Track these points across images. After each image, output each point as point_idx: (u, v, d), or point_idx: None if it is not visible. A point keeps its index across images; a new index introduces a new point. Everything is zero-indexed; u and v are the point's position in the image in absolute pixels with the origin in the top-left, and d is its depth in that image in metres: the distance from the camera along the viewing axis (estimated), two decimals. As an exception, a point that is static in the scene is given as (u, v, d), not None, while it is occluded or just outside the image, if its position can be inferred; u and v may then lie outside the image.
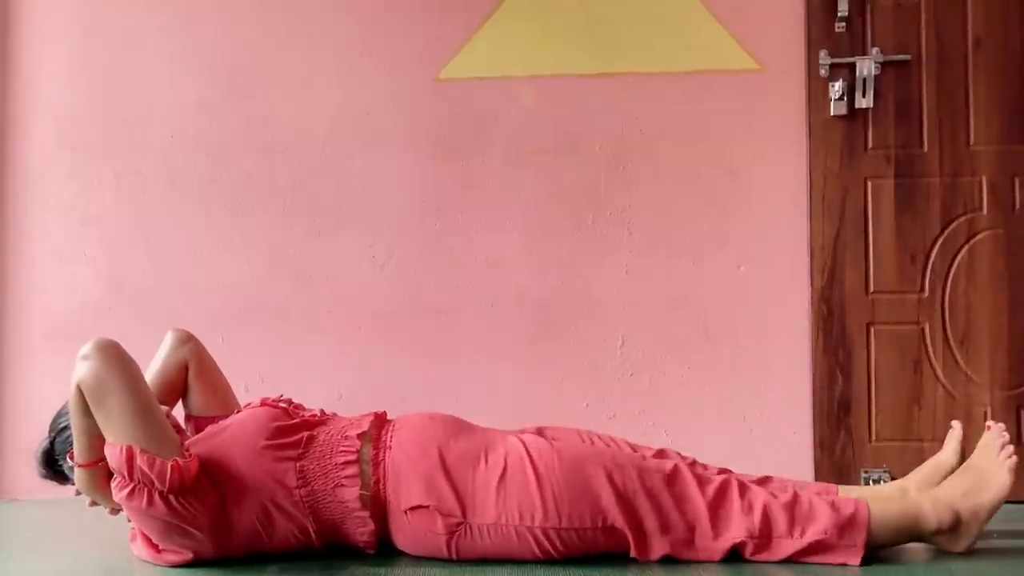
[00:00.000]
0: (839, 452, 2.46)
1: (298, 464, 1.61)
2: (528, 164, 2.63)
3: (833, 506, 1.57)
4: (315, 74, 2.68)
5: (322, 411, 1.79)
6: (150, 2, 2.72)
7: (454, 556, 1.61)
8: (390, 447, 1.64)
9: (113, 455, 1.51)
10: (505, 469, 1.59)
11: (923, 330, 2.47)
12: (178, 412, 1.83)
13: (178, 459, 1.52)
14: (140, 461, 1.49)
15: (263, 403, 1.78)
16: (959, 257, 2.47)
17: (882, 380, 2.46)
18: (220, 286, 2.65)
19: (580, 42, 2.64)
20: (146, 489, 1.51)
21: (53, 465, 1.74)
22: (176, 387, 1.84)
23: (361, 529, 1.62)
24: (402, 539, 1.63)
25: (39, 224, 2.70)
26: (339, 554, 1.66)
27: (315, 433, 1.67)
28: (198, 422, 1.81)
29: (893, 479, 2.41)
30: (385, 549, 1.66)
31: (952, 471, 1.72)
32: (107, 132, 2.71)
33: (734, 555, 1.58)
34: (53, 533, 2.12)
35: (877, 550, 1.58)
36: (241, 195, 2.68)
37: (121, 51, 2.72)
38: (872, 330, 2.48)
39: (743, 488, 1.60)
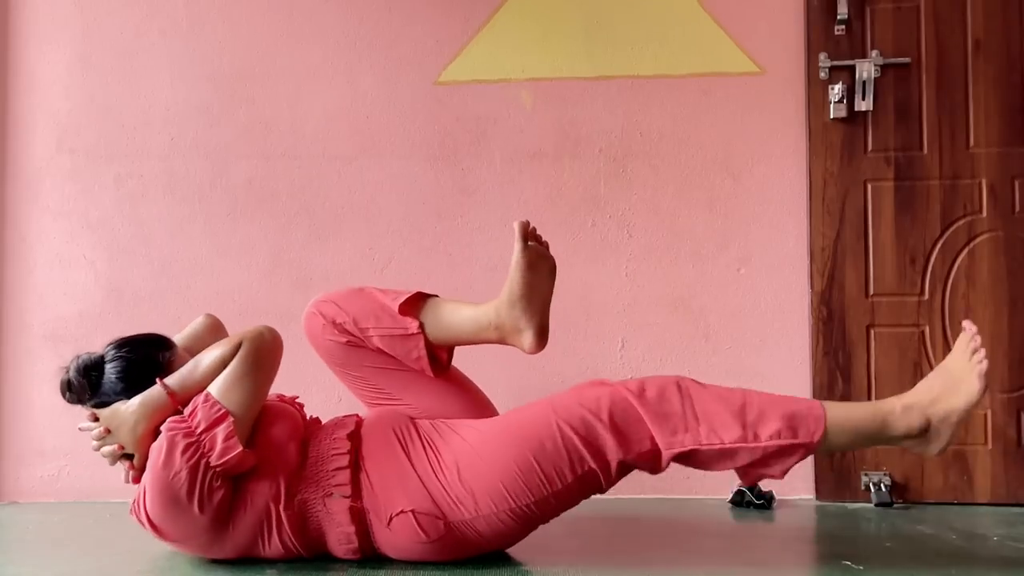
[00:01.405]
0: (839, 454, 2.46)
1: (299, 473, 1.62)
2: (528, 167, 2.64)
3: (787, 406, 1.54)
4: (314, 78, 2.69)
5: (316, 418, 1.80)
6: (150, 6, 2.72)
7: (445, 557, 1.61)
8: (363, 456, 1.64)
9: (210, 408, 1.54)
10: (459, 466, 1.58)
11: (923, 333, 2.47)
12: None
13: (248, 450, 1.56)
14: (221, 429, 1.53)
15: (281, 399, 1.79)
16: (959, 259, 2.47)
17: (882, 382, 2.46)
18: (219, 290, 2.65)
19: (580, 45, 2.64)
20: (200, 450, 1.52)
21: (90, 377, 1.65)
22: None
23: (345, 546, 1.61)
24: (388, 548, 1.63)
25: (39, 227, 2.70)
26: (336, 557, 1.66)
27: (307, 438, 1.68)
28: None
29: (893, 482, 2.42)
30: (372, 556, 1.66)
31: (517, 286, 1.67)
32: (107, 136, 2.71)
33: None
34: (53, 536, 2.12)
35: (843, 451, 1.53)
36: (241, 199, 2.68)
37: (121, 55, 2.72)
38: (872, 332, 2.48)
39: (684, 392, 1.56)
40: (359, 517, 1.60)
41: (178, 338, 1.79)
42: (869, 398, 2.46)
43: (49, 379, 2.64)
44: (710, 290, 2.58)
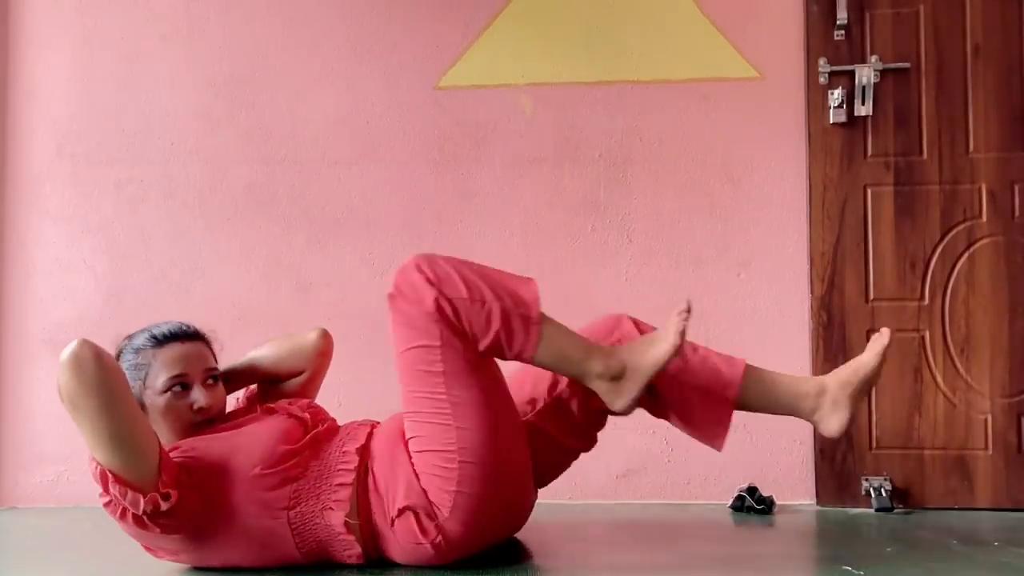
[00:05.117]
0: (839, 460, 2.46)
1: (294, 485, 1.59)
2: (528, 172, 2.64)
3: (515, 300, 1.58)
4: (315, 83, 2.69)
5: (332, 423, 1.78)
6: (151, 12, 2.73)
7: (442, 561, 1.60)
8: (373, 457, 1.63)
9: (91, 468, 1.45)
10: (460, 477, 1.56)
11: (923, 338, 2.46)
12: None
13: (155, 493, 1.43)
14: (113, 487, 1.43)
15: (289, 415, 1.74)
16: (959, 264, 2.47)
17: (882, 387, 2.46)
18: (219, 295, 2.65)
19: (580, 50, 2.65)
20: (121, 506, 1.46)
21: None
22: (278, 376, 1.89)
23: (348, 552, 1.60)
24: (394, 552, 1.62)
25: (39, 232, 2.70)
26: (335, 564, 1.66)
27: (316, 450, 1.65)
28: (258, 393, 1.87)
29: (894, 487, 2.42)
30: (377, 561, 1.65)
31: (871, 374, 1.69)
32: (107, 141, 2.71)
33: None
34: (52, 542, 2.11)
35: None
36: (241, 204, 2.68)
37: (122, 60, 2.73)
38: (872, 337, 2.47)
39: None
40: (357, 531, 1.59)
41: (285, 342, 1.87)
42: (869, 404, 2.45)
43: (49, 384, 2.64)
44: (710, 295, 2.58)
